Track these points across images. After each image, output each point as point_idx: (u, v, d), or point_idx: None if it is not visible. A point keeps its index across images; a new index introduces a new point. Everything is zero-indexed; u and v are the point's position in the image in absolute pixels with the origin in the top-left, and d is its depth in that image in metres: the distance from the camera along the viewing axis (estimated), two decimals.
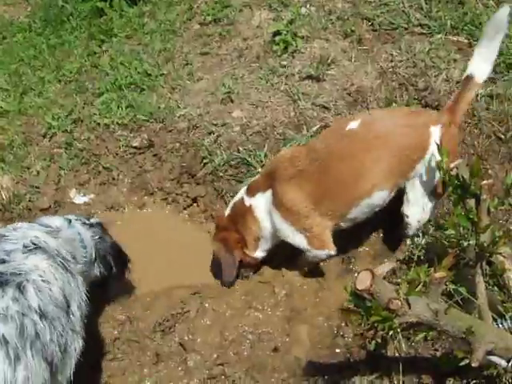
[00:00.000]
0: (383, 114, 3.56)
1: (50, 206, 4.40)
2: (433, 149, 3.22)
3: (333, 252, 3.50)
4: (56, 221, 3.13)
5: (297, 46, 4.91)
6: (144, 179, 4.43)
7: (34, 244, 2.79)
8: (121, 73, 5.24)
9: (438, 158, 3.11)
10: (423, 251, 3.56)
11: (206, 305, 3.66)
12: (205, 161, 4.35)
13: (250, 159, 4.20)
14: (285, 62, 4.86)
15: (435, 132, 3.25)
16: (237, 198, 3.69)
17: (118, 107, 4.93)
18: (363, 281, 2.33)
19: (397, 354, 3.19)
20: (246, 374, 3.37)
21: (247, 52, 5.07)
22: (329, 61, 4.72)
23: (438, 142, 3.17)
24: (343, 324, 3.46)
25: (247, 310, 3.61)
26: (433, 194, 3.37)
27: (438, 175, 3.21)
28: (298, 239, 3.48)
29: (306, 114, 4.43)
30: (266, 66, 4.88)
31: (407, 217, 3.44)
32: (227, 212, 3.73)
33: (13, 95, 5.65)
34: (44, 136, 5.03)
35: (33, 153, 4.89)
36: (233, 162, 4.28)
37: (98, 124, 4.86)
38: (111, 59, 5.53)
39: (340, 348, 3.41)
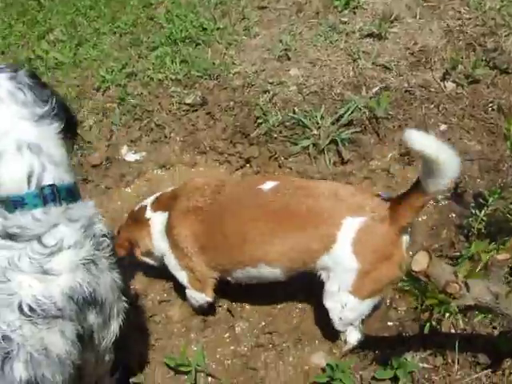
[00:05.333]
0: (306, 186, 2.96)
1: (101, 163, 4.36)
2: (343, 243, 2.75)
3: (209, 299, 3.27)
4: None
5: (359, 2, 4.72)
6: (196, 138, 4.31)
7: None
8: (176, 26, 5.13)
9: (349, 257, 2.74)
10: (483, 224, 3.36)
11: None
12: (259, 121, 4.19)
13: (305, 120, 4.03)
14: (345, 19, 4.67)
15: (350, 224, 2.73)
16: (142, 204, 3.44)
17: (172, 62, 4.82)
18: (420, 262, 2.20)
19: (452, 331, 3.07)
20: (295, 345, 3.29)
21: (307, 7, 4.89)
22: (392, 18, 4.50)
23: (352, 237, 2.72)
24: (397, 296, 3.34)
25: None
26: (353, 293, 2.85)
27: (353, 275, 2.78)
28: (180, 275, 3.25)
29: (366, 74, 4.24)
30: (325, 22, 4.68)
31: (328, 310, 3.00)
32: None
33: (68, 47, 5.63)
34: (97, 90, 4.99)
35: (86, 107, 4.85)
36: (288, 123, 4.12)
37: (152, 79, 4.77)
38: (167, 11, 5.43)
39: (393, 321, 3.28)
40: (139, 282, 3.69)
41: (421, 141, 2.42)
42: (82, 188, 4.22)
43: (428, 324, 2.40)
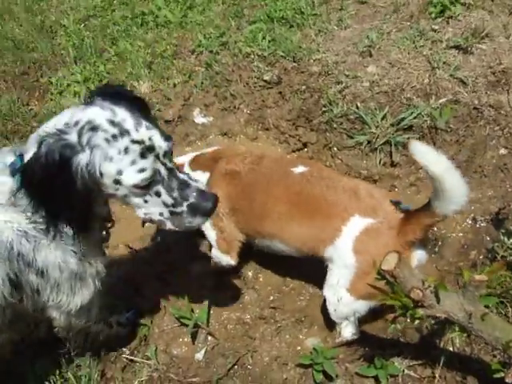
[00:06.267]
0: (331, 177, 3.06)
1: (173, 119, 4.63)
2: (347, 238, 2.84)
3: (233, 262, 3.42)
4: None
5: (454, 13, 4.64)
6: (263, 114, 4.48)
7: None
8: (277, 5, 5.28)
9: (349, 254, 2.83)
10: (509, 252, 3.33)
11: None
12: (324, 109, 4.29)
13: (366, 117, 4.10)
14: (436, 27, 4.62)
15: (357, 223, 2.82)
16: (179, 160, 3.55)
17: (263, 39, 4.98)
18: (389, 262, 2.28)
19: (450, 348, 3.08)
20: (294, 325, 3.41)
21: (403, 8, 4.89)
22: (483, 34, 4.41)
23: (355, 235, 2.81)
24: None
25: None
26: (349, 290, 2.93)
27: (351, 273, 2.88)
28: (210, 233, 3.39)
29: (440, 85, 4.20)
30: (416, 26, 4.66)
31: (326, 299, 3.11)
32: None
33: (180, 8, 5.91)
34: (192, 52, 5.25)
35: (177, 66, 5.13)
36: (351, 117, 4.20)
37: (240, 51, 4.95)
38: None
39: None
40: (169, 235, 3.90)
41: (427, 156, 2.42)
42: None
43: (393, 326, 2.46)
